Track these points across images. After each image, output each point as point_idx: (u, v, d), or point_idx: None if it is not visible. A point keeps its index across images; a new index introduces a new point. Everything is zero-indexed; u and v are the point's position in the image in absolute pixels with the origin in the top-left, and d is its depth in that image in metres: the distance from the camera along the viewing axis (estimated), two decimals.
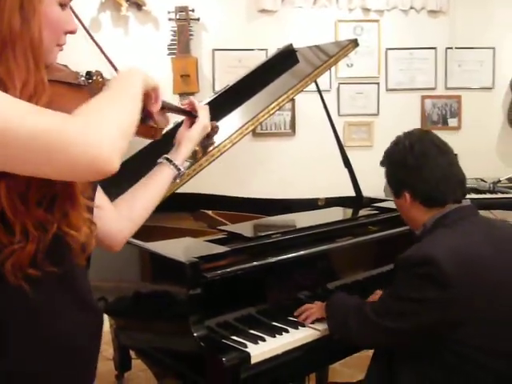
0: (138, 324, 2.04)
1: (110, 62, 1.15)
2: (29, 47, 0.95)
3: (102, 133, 0.89)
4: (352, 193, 2.86)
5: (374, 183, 3.26)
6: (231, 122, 2.49)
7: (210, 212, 2.85)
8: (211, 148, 2.19)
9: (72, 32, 1.08)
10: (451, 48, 4.42)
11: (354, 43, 2.80)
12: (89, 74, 1.18)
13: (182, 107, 1.43)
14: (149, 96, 1.16)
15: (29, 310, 1.01)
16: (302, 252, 1.97)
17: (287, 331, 1.81)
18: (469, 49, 4.43)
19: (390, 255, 2.35)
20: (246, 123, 2.34)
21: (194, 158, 2.26)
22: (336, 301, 1.87)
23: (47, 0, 1.00)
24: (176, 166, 1.35)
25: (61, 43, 1.08)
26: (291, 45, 2.97)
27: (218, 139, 2.27)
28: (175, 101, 4.01)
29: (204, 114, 1.41)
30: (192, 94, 4.00)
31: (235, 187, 3.62)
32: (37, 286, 0.99)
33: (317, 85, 2.78)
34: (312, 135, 4.20)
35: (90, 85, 1.16)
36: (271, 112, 2.43)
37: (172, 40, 4.01)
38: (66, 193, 1.01)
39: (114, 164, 0.89)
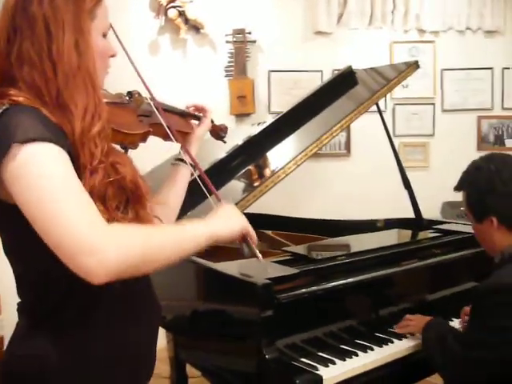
0: (202, 343, 2.06)
1: (144, 83, 1.35)
2: (86, 76, 1.12)
3: (112, 264, 0.99)
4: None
5: (430, 204, 3.24)
6: (294, 144, 2.52)
7: (269, 232, 2.87)
8: (277, 170, 2.22)
9: (114, 55, 1.25)
10: (508, 68, 4.37)
11: (416, 65, 2.81)
12: (130, 93, 1.42)
13: (188, 110, 1.60)
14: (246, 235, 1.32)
15: (117, 297, 1.16)
16: (371, 275, 1.97)
17: (356, 354, 1.80)
18: None
19: (454, 278, 2.34)
20: (309, 145, 2.35)
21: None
22: (433, 325, 1.90)
23: (95, 34, 1.17)
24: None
25: (108, 67, 1.26)
26: (350, 67, 2.99)
27: (282, 161, 2.31)
28: (232, 122, 4.08)
29: (209, 116, 1.60)
30: (248, 114, 4.06)
31: (290, 207, 3.63)
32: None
33: (378, 106, 2.79)
34: (367, 156, 4.20)
35: (132, 103, 1.40)
36: (334, 134, 2.45)
37: (229, 62, 4.08)
38: (135, 196, 1.17)
39: (98, 282, 1.00)
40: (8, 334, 3.00)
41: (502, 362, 1.63)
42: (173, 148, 1.56)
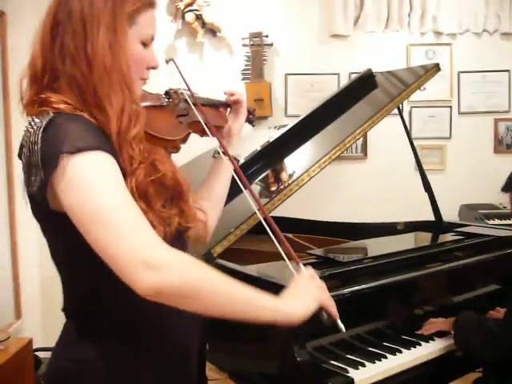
0: (231, 345, 2.06)
1: (186, 83, 1.41)
2: (120, 76, 1.12)
3: (171, 284, 0.98)
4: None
5: (447, 207, 3.23)
6: (317, 147, 2.53)
7: (290, 235, 2.87)
8: (302, 173, 2.22)
9: (154, 68, 1.23)
10: None
11: (437, 68, 2.80)
12: (167, 93, 1.38)
13: (220, 100, 1.54)
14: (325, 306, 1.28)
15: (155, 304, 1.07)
16: (397, 277, 1.97)
17: (386, 357, 1.80)
18: None
19: (478, 281, 2.34)
20: (333, 148, 2.35)
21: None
22: (463, 317, 1.96)
23: (132, 40, 1.16)
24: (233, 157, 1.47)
25: (144, 77, 1.23)
26: (370, 70, 2.99)
27: (306, 164, 2.31)
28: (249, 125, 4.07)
29: (244, 106, 1.54)
30: (265, 117, 4.07)
31: (308, 210, 3.64)
32: None
33: (399, 109, 2.79)
34: (384, 159, 4.19)
35: (171, 103, 1.36)
36: (357, 137, 2.45)
37: (246, 65, 4.09)
38: (177, 192, 1.19)
39: (144, 295, 0.99)
40: (30, 335, 3.02)
41: None
42: (205, 141, 1.53)
